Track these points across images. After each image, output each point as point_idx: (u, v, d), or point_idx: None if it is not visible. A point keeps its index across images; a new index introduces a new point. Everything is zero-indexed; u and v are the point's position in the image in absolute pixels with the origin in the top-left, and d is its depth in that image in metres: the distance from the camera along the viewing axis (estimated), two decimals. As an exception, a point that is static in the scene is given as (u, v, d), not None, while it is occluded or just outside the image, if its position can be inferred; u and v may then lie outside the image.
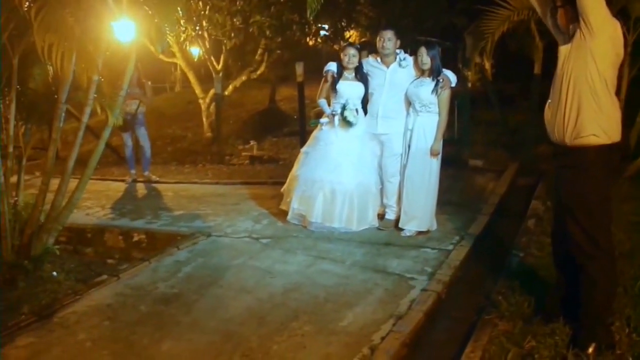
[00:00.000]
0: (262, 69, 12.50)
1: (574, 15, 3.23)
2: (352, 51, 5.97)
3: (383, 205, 6.11)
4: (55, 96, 5.20)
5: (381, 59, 5.93)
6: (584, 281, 3.38)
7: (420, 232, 5.78)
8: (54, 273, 5.12)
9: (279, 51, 11.81)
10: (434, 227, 5.90)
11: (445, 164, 7.84)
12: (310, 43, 12.77)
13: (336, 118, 5.90)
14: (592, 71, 3.20)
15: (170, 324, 3.98)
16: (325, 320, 3.99)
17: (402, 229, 5.82)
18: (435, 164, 5.74)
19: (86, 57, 4.19)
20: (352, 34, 12.70)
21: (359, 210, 5.92)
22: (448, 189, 7.42)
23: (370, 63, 6.04)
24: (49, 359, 3.55)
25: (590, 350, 3.27)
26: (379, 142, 6.03)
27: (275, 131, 13.77)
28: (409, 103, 5.79)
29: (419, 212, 5.75)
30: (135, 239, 6.13)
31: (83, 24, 4.40)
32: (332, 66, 6.06)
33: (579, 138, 3.25)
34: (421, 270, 4.87)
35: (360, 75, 6.00)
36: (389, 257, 5.21)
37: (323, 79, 6.13)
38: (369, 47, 6.85)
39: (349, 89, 5.95)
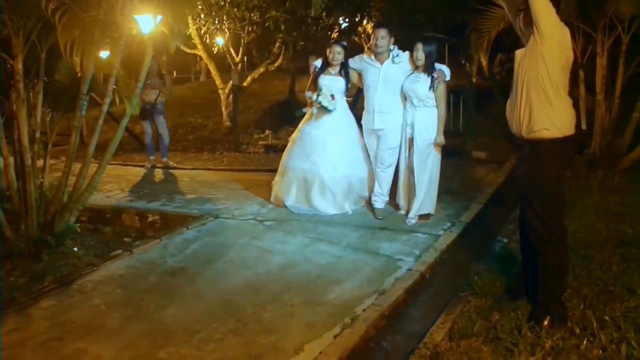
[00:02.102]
0: (279, 61, 12.92)
1: (531, 20, 3.55)
2: (337, 48, 6.23)
3: (364, 197, 6.54)
4: (78, 88, 5.69)
5: (375, 56, 6.10)
6: (540, 263, 3.75)
7: (422, 216, 6.09)
8: (75, 248, 5.62)
9: (302, 43, 12.16)
10: (433, 212, 6.18)
11: (450, 155, 8.21)
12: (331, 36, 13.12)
13: (314, 106, 6.25)
14: (543, 73, 3.53)
15: (175, 293, 4.45)
16: (315, 294, 4.42)
17: (407, 218, 6.10)
18: (437, 154, 6.01)
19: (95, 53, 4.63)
20: (367, 27, 13.00)
21: (333, 196, 6.27)
22: (449, 179, 7.73)
23: (365, 60, 6.22)
24: (68, 319, 4.04)
25: (545, 323, 3.64)
26: (375, 137, 6.27)
27: (293, 121, 14.14)
28: (404, 97, 6.01)
29: (423, 198, 5.99)
30: (150, 219, 6.60)
31: (102, 25, 4.82)
32: (317, 62, 6.40)
33: (533, 132, 3.61)
34: (410, 252, 5.25)
35: (345, 72, 6.28)
36: (382, 240, 5.60)
37: (311, 75, 6.47)
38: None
39: (329, 83, 6.23)
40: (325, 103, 6.12)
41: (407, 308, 4.34)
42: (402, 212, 6.27)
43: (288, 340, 3.73)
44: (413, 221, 6.04)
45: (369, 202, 6.47)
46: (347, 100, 6.60)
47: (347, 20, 12.17)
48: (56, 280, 4.65)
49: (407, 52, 6.02)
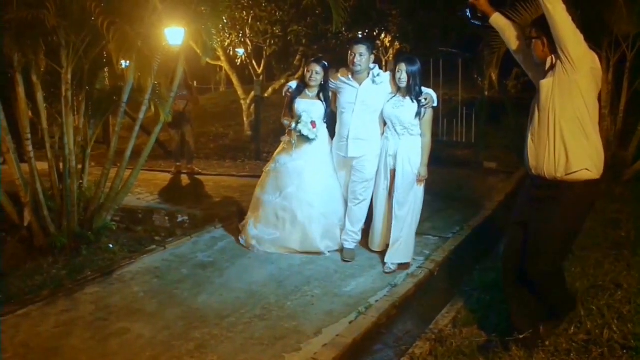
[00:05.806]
0: (299, 73, 13.41)
1: (552, 47, 3.28)
2: (316, 68, 5.45)
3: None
4: (114, 97, 6.21)
5: (352, 75, 5.35)
6: (545, 295, 3.61)
7: (400, 265, 5.30)
8: (110, 245, 6.07)
9: (321, 55, 12.63)
10: (411, 260, 5.37)
11: (462, 165, 8.65)
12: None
13: (294, 135, 5.54)
14: (579, 104, 3.22)
15: (205, 283, 4.92)
16: (333, 286, 4.87)
17: (385, 263, 5.32)
18: (420, 190, 5.30)
19: (145, 64, 5.13)
20: (384, 40, 13.46)
21: (305, 235, 5.57)
22: (460, 188, 8.24)
23: (341, 79, 5.45)
24: (111, 303, 4.53)
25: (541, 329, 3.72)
26: (348, 167, 5.58)
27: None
28: (383, 123, 5.37)
29: (403, 242, 5.28)
30: (179, 219, 7.08)
31: (143, 37, 5.32)
32: (292, 84, 5.76)
33: (572, 173, 3.26)
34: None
35: (324, 95, 5.56)
36: (395, 241, 6.02)
37: (285, 98, 5.80)
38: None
39: (306, 107, 5.51)
40: (305, 132, 5.43)
41: (416, 300, 4.79)
42: (376, 249, 5.62)
43: (308, 325, 4.17)
44: (393, 268, 5.25)
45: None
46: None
47: (366, 34, 12.65)
48: (98, 271, 5.14)
49: (388, 73, 5.40)
